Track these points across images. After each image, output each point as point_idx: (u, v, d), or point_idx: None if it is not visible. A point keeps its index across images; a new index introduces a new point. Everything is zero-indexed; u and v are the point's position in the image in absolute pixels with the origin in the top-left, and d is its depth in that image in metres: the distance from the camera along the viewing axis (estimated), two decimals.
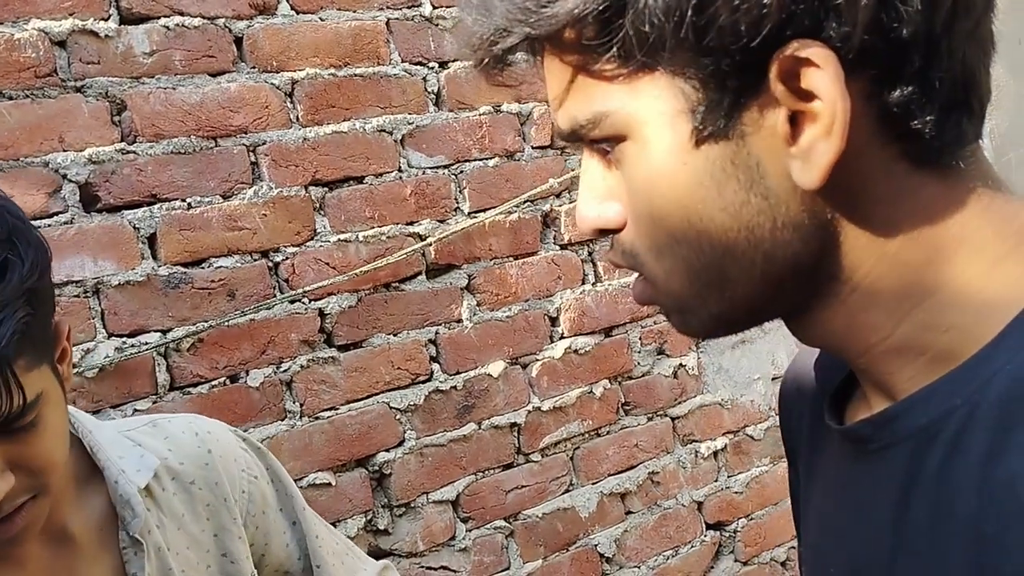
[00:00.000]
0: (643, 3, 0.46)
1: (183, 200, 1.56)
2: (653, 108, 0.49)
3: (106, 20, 1.51)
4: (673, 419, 2.12)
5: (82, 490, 0.95)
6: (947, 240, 0.49)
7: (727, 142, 0.48)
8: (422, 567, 1.76)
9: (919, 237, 0.49)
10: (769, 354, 2.27)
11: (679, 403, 2.13)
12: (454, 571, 1.80)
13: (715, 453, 2.18)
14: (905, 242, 0.49)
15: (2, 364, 0.75)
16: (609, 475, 2.02)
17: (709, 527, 2.17)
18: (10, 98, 1.42)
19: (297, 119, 1.68)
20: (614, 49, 0.48)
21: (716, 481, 2.19)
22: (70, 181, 1.46)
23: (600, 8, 0.47)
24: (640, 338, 2.07)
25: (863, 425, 0.54)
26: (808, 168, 0.47)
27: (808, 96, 0.46)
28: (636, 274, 0.56)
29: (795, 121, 0.47)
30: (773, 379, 2.27)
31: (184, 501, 1.00)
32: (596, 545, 1.99)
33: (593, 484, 2.00)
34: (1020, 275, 0.48)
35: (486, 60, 0.52)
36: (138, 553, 0.94)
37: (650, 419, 2.09)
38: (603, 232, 0.55)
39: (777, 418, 0.78)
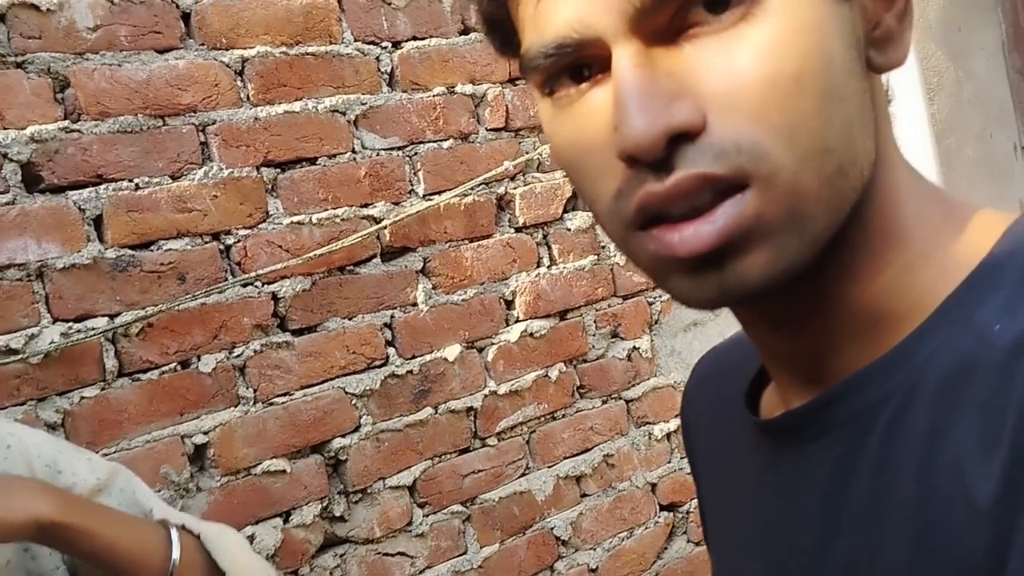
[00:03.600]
0: None
1: (130, 180, 1.51)
2: None
3: None
4: (627, 402, 2.13)
5: None
6: (916, 187, 0.49)
7: (852, 5, 0.45)
8: (379, 553, 1.74)
9: (906, 175, 0.49)
10: (720, 336, 2.28)
11: (633, 386, 2.14)
12: (411, 557, 1.78)
13: (668, 435, 2.20)
14: (900, 176, 0.49)
15: None
16: (565, 458, 2.02)
17: (663, 508, 2.19)
18: None
19: (248, 98, 1.64)
20: None
21: (669, 463, 2.20)
22: (11, 160, 1.40)
23: None
24: (595, 321, 2.07)
25: (790, 416, 0.52)
26: (896, 46, 0.46)
27: None
28: (690, 221, 0.44)
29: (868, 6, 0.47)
30: None
31: None
32: (552, 528, 1.99)
33: (549, 467, 2.00)
34: (955, 244, 0.47)
35: None
36: None
37: (605, 402, 2.10)
38: (674, 142, 0.43)
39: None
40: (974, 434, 0.42)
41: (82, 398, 1.44)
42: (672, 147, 0.42)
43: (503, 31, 0.51)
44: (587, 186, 0.47)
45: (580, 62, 0.46)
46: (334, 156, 1.73)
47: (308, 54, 1.71)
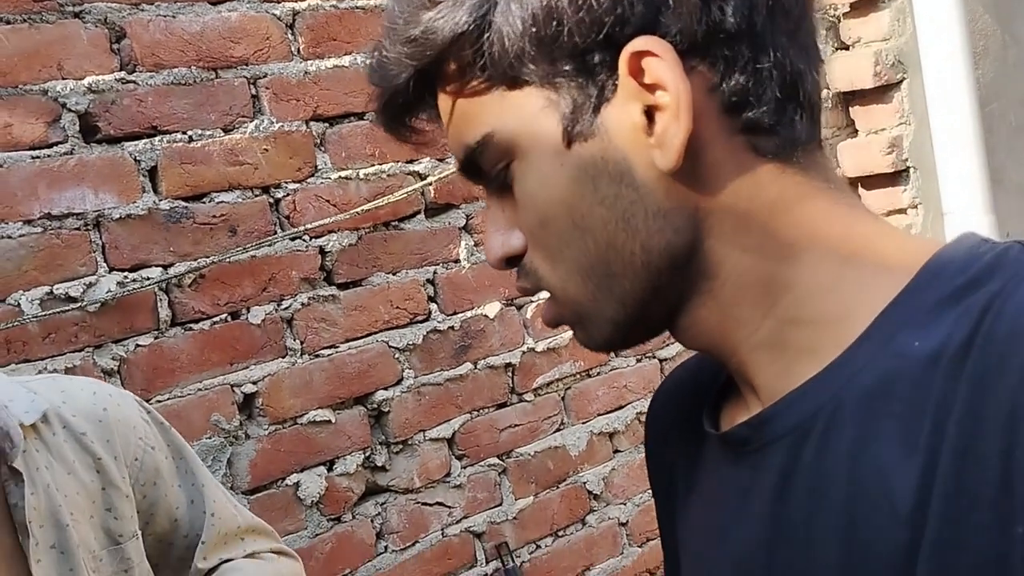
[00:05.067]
0: (499, 23, 0.52)
1: (184, 133, 1.52)
2: (527, 119, 0.53)
3: None
4: (661, 361, 2.15)
5: None
6: (799, 235, 0.53)
7: (595, 139, 0.52)
8: (418, 503, 1.78)
9: (774, 230, 0.53)
10: None
11: (667, 345, 2.16)
12: (449, 507, 1.82)
13: None
14: (761, 235, 0.53)
15: None
16: (598, 415, 2.05)
17: None
18: (7, 22, 1.37)
19: (298, 52, 1.64)
20: (486, 70, 0.53)
21: None
22: (69, 110, 1.42)
23: (468, 30, 0.53)
24: None
25: (741, 428, 0.57)
26: (665, 152, 0.51)
27: (654, 88, 0.51)
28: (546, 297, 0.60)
29: (650, 115, 0.52)
30: None
31: (74, 450, 1.01)
32: (585, 483, 2.02)
33: (583, 423, 2.03)
34: (869, 279, 0.52)
35: (389, 110, 0.58)
36: (18, 484, 0.94)
37: (639, 360, 2.12)
38: (511, 261, 0.58)
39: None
40: (895, 441, 0.47)
41: (137, 346, 1.47)
42: (514, 262, 0.58)
43: None
44: None
45: None
46: None
47: (358, 8, 1.70)
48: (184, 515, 1.10)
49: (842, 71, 2.36)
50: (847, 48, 2.37)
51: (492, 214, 0.58)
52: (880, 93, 2.34)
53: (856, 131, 2.41)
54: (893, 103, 2.34)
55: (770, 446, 0.54)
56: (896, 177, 2.34)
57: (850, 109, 2.40)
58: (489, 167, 0.56)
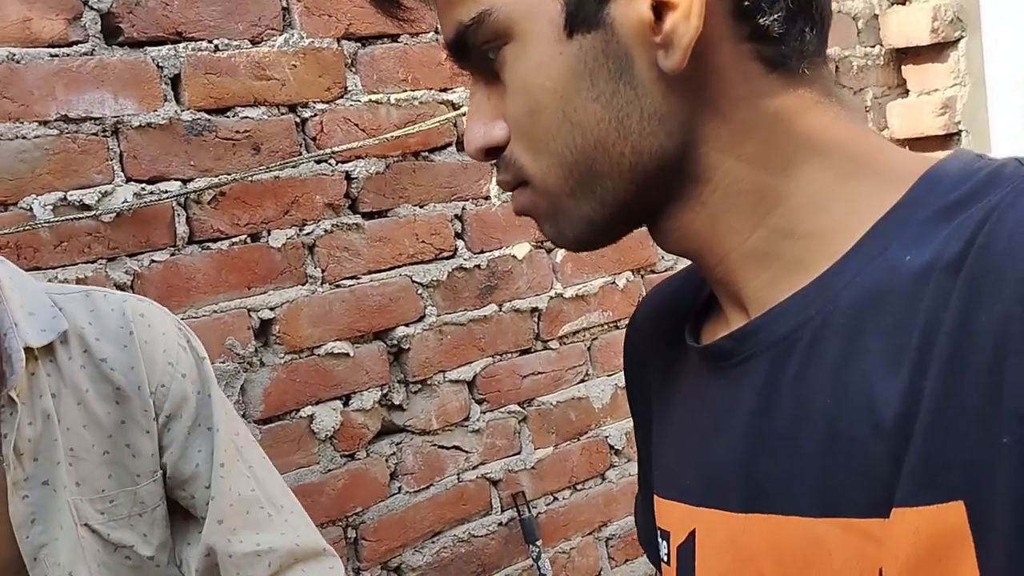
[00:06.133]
0: None
1: (209, 41, 1.45)
2: (529, 1, 0.51)
3: None
4: None
5: None
6: (799, 147, 0.52)
7: (598, 32, 0.51)
8: (435, 445, 1.72)
9: (774, 141, 0.52)
10: None
11: None
12: (466, 452, 1.76)
13: None
14: (761, 145, 0.52)
15: None
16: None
17: None
18: None
19: None
20: None
21: None
22: (91, 8, 1.35)
23: None
24: None
25: (724, 341, 0.56)
26: (671, 52, 0.50)
27: None
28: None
29: (658, 12, 0.50)
30: None
31: (91, 377, 0.93)
32: (607, 437, 1.96)
33: (608, 376, 1.96)
34: (865, 193, 0.51)
35: None
36: (12, 413, 0.88)
37: None
38: (491, 152, 0.56)
39: None
40: (882, 354, 0.46)
41: (152, 261, 1.41)
42: (494, 154, 0.56)
43: None
44: None
45: None
46: (417, 35, 1.66)
47: None
48: (205, 460, 0.99)
49: (897, 26, 2.26)
50: (903, 3, 2.27)
51: (476, 102, 0.56)
52: (936, 51, 2.24)
53: (907, 91, 2.31)
54: (948, 62, 2.23)
55: (754, 359, 0.53)
56: (947, 140, 2.25)
57: (902, 67, 2.30)
58: (480, 48, 0.53)
